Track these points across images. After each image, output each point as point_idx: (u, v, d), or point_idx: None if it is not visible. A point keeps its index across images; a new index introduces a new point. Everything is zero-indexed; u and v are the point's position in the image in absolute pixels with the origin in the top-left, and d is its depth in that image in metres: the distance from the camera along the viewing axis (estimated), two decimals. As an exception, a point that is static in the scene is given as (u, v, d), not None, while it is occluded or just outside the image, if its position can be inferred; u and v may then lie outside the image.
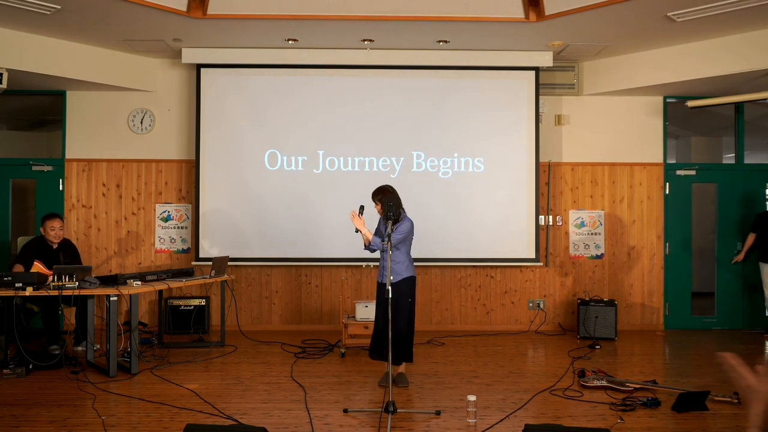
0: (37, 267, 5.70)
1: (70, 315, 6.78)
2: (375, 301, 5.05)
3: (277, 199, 7.03)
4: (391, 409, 4.04)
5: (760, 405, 1.37)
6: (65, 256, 6.03)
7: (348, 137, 7.04)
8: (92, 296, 5.60)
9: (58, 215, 6.13)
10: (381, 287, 4.81)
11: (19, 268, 5.76)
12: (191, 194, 7.21)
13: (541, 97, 7.09)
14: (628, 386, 4.69)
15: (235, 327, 6.88)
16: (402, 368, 4.96)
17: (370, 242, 4.73)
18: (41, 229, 6.01)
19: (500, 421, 4.02)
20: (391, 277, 4.59)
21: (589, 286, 7.31)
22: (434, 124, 7.04)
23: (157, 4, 5.46)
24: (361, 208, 4.78)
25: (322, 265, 7.16)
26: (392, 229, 4.54)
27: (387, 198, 4.70)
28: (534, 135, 7.04)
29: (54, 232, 5.95)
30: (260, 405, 4.37)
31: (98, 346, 5.87)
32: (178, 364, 5.55)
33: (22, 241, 6.44)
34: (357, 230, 4.71)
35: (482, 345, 6.49)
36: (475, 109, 7.05)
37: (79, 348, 5.95)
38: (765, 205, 7.53)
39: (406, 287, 4.79)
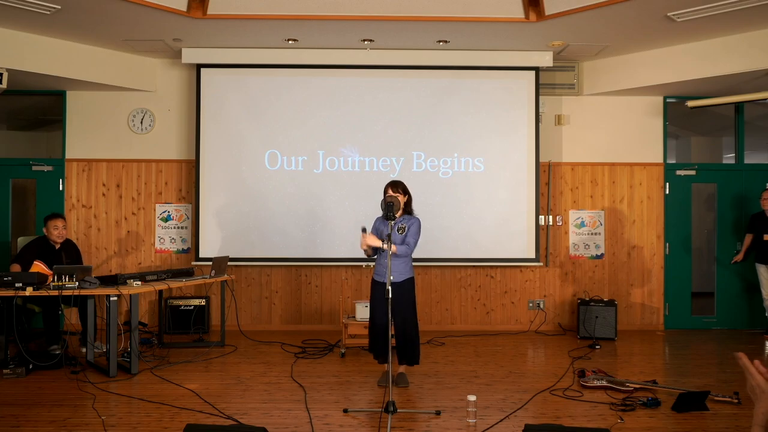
0: (38, 267, 5.70)
1: (70, 315, 6.78)
2: (372, 302, 4.87)
3: (277, 199, 7.03)
4: (391, 409, 4.04)
5: (765, 405, 1.38)
6: (67, 256, 6.03)
7: (348, 137, 7.04)
8: (92, 296, 5.59)
9: (61, 215, 6.12)
10: (380, 286, 4.75)
11: (15, 267, 5.75)
12: (191, 194, 7.21)
13: (541, 97, 7.09)
14: (628, 386, 4.69)
15: (235, 327, 6.88)
16: (403, 368, 4.95)
17: (397, 252, 4.63)
18: (44, 229, 6.00)
19: (500, 421, 4.02)
20: (392, 277, 4.58)
21: (589, 286, 7.31)
22: (434, 124, 7.05)
23: (157, 4, 5.46)
24: (364, 229, 4.63)
25: (322, 265, 7.16)
26: (405, 229, 4.65)
27: (388, 199, 4.64)
28: (534, 135, 7.04)
29: (57, 231, 5.94)
30: (260, 405, 4.37)
31: (99, 344, 5.85)
32: (178, 364, 5.55)
33: (22, 241, 6.43)
34: (366, 249, 4.67)
35: (482, 345, 6.49)
36: (475, 109, 7.05)
37: (83, 349, 5.94)
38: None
39: (411, 286, 4.77)
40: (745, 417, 4.17)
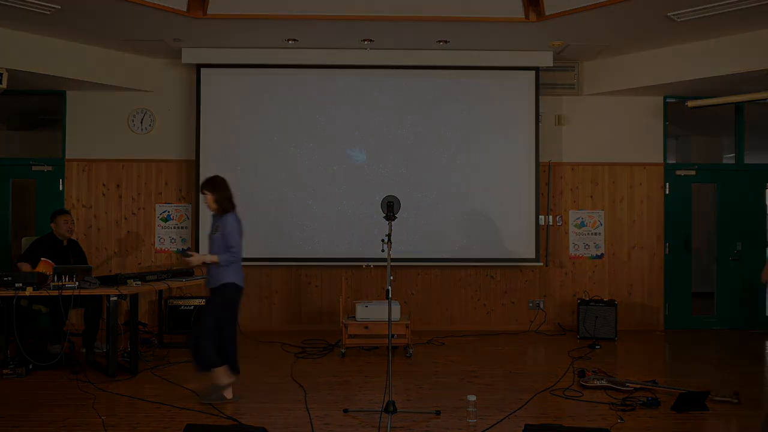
0: (45, 263, 5.70)
1: (75, 316, 6.75)
2: (228, 309, 4.44)
3: (276, 199, 7.03)
4: (391, 409, 4.04)
5: None
6: (74, 254, 6.08)
7: (348, 137, 7.04)
8: (92, 297, 5.59)
9: (68, 211, 6.28)
10: (210, 293, 4.45)
11: (25, 266, 5.76)
12: (191, 194, 7.21)
13: (541, 97, 7.09)
14: (628, 386, 4.69)
15: (235, 327, 6.86)
16: (222, 378, 4.37)
17: (219, 262, 4.32)
18: (52, 225, 6.03)
19: (500, 421, 4.02)
20: (210, 283, 4.40)
21: (589, 286, 7.31)
22: (434, 124, 7.04)
23: (157, 4, 5.46)
24: (185, 253, 4.45)
25: (322, 265, 7.16)
26: (218, 228, 4.38)
27: (388, 198, 4.53)
28: (534, 135, 7.04)
29: (67, 225, 6.04)
30: (260, 405, 4.37)
31: (99, 344, 5.85)
32: (178, 364, 5.54)
33: (27, 241, 6.43)
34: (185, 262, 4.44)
35: (482, 345, 6.48)
36: (475, 109, 7.05)
37: (83, 349, 5.92)
38: (765, 206, 7.51)
39: (224, 293, 4.37)
40: (745, 417, 4.17)
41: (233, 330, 4.46)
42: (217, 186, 4.43)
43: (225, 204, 4.43)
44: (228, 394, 4.42)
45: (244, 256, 6.89)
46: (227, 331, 4.41)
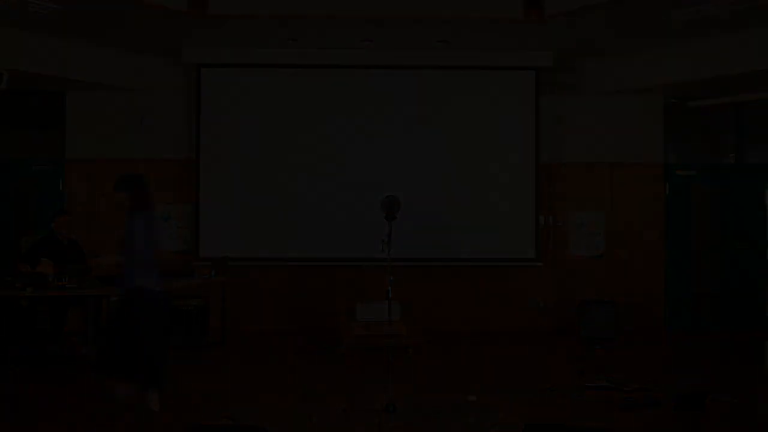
0: (45, 263, 5.71)
1: (74, 316, 6.75)
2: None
3: (277, 199, 7.03)
4: (391, 409, 4.04)
5: None
6: (74, 254, 6.07)
7: (348, 136, 7.04)
8: (92, 297, 5.59)
9: (67, 211, 6.31)
10: (126, 295, 4.17)
11: (26, 267, 5.76)
12: (191, 194, 7.20)
13: (541, 97, 7.09)
14: (628, 386, 4.69)
15: (235, 327, 6.86)
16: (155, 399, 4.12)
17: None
18: (53, 225, 6.03)
19: (500, 421, 4.01)
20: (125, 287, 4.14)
21: (589, 286, 7.30)
22: (434, 124, 7.04)
23: (157, 3, 5.46)
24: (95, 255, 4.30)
25: (322, 265, 7.16)
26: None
27: (388, 198, 4.49)
28: (534, 135, 7.04)
29: (68, 225, 6.04)
30: (260, 405, 4.37)
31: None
32: (178, 364, 5.54)
33: (27, 241, 6.43)
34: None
35: (482, 345, 6.48)
36: (475, 109, 7.05)
37: (83, 349, 5.92)
38: (766, 206, 7.50)
39: (133, 298, 4.12)
40: (745, 417, 4.17)
41: (155, 335, 4.19)
42: (132, 185, 4.16)
43: (138, 203, 4.12)
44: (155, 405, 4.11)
45: (246, 255, 6.98)
46: (150, 337, 4.15)
